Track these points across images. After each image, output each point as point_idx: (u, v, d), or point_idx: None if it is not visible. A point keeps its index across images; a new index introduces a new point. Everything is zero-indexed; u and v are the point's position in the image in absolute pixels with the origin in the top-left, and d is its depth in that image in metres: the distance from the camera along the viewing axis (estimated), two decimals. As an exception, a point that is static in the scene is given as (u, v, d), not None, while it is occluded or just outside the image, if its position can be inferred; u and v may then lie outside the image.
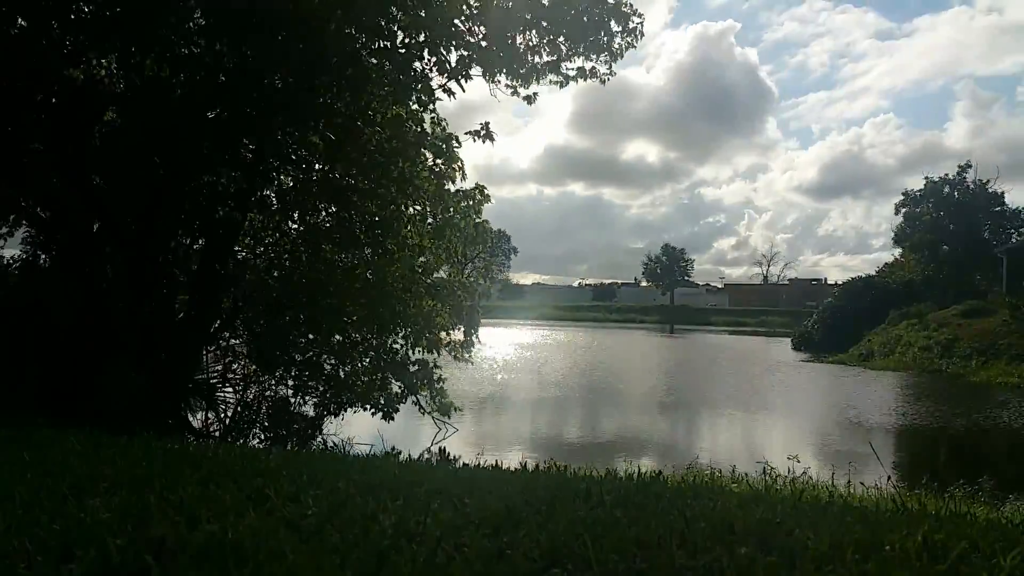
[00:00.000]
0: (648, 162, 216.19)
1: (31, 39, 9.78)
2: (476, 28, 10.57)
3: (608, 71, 11.17)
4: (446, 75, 10.74)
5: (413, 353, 12.68)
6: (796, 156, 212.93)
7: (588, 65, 11.10)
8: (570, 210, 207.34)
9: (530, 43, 10.86)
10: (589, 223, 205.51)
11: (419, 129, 11.59)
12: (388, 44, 10.37)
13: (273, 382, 12.21)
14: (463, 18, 10.43)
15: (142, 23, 9.60)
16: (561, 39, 10.84)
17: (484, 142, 11.34)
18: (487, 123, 11.28)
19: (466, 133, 11.54)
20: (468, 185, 13.21)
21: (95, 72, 10.85)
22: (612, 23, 10.80)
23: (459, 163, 12.49)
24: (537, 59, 10.97)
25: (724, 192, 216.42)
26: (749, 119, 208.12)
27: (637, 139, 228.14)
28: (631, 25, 10.84)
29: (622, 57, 11.11)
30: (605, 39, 10.84)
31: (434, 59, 10.56)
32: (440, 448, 12.76)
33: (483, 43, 10.58)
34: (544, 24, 10.72)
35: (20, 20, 10.00)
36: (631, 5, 10.79)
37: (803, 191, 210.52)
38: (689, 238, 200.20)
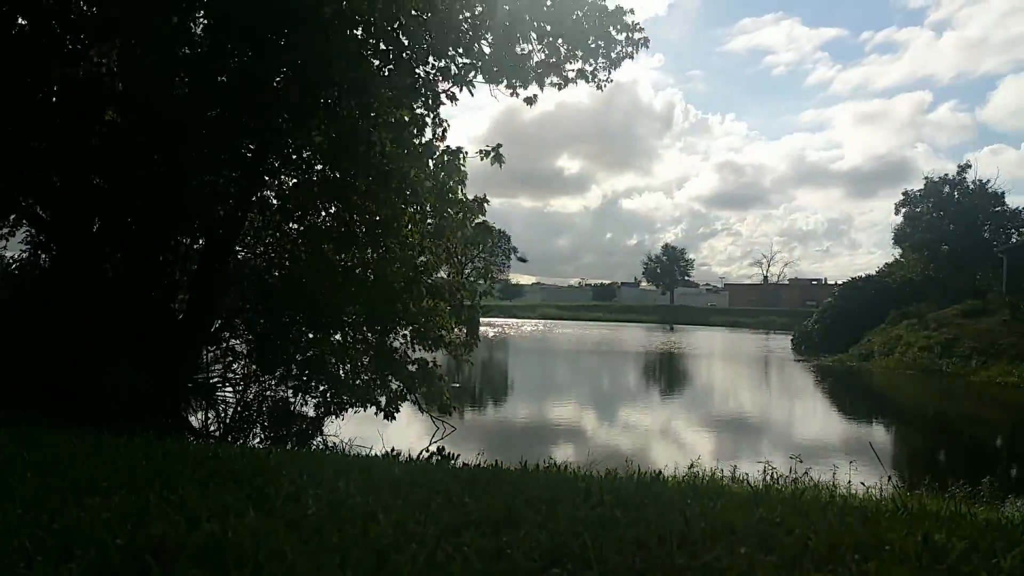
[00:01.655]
0: (577, 174, 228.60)
1: (31, 39, 9.78)
2: (480, 34, 10.57)
3: (607, 77, 11.21)
4: (451, 81, 10.73)
5: (413, 353, 12.67)
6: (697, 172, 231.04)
7: (588, 68, 11.13)
8: (526, 218, 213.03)
9: (532, 49, 10.89)
10: (556, 230, 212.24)
11: (422, 138, 11.48)
12: (392, 48, 10.36)
13: (273, 382, 12.18)
14: (466, 26, 10.42)
15: (143, 23, 9.60)
16: (560, 41, 10.86)
17: (492, 163, 11.23)
18: (499, 144, 11.20)
19: (477, 152, 11.49)
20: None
21: (95, 71, 10.84)
22: (613, 32, 10.84)
23: (460, 175, 12.37)
24: (538, 61, 10.99)
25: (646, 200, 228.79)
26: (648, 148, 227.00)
27: (561, 153, 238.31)
28: (635, 36, 10.90)
29: (620, 66, 11.16)
30: (604, 47, 10.89)
31: (440, 63, 10.55)
32: (440, 447, 12.74)
33: (486, 50, 10.59)
34: (547, 29, 10.73)
35: (20, 19, 10.00)
36: (633, 16, 10.82)
37: (703, 201, 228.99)
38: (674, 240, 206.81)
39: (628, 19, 10.81)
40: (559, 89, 11.30)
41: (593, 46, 10.78)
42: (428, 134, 11.64)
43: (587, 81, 11.18)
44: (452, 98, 10.89)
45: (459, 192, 12.29)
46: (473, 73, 10.69)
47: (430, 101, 10.79)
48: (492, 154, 11.15)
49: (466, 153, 11.69)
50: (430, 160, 11.67)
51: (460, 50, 10.45)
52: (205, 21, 10.36)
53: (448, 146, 11.92)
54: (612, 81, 11.25)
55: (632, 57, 11.01)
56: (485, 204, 12.98)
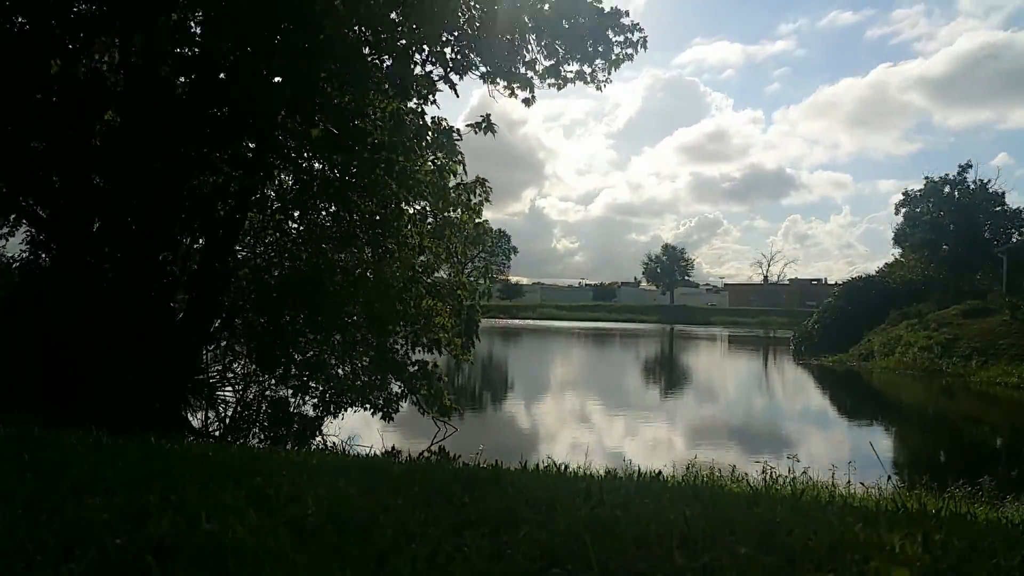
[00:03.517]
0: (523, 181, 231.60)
1: (31, 39, 9.78)
2: (477, 31, 10.58)
3: (605, 78, 11.20)
4: (447, 68, 10.72)
5: (413, 353, 12.66)
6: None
7: (587, 69, 11.13)
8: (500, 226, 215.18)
9: (529, 50, 10.90)
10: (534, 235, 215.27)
11: (420, 123, 11.53)
12: (387, 40, 10.35)
13: (273, 382, 12.19)
14: (462, 24, 10.43)
15: (141, 21, 9.60)
16: (558, 43, 10.86)
17: (485, 134, 11.26)
18: (488, 115, 11.23)
19: (467, 125, 11.47)
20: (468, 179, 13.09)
21: (95, 71, 10.84)
22: (610, 34, 10.84)
23: (459, 156, 12.38)
24: (536, 67, 11.02)
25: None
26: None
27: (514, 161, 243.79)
28: (634, 38, 10.88)
29: (619, 68, 11.16)
30: (602, 50, 10.89)
31: (436, 49, 10.56)
32: (440, 448, 12.74)
33: (481, 38, 10.59)
34: (544, 31, 10.73)
35: (20, 19, 10.00)
36: (630, 18, 10.82)
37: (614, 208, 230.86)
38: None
39: (625, 21, 10.81)
40: (558, 89, 11.29)
41: (591, 50, 10.78)
42: (428, 122, 11.69)
43: (586, 82, 11.16)
44: (451, 85, 10.90)
45: (458, 173, 12.32)
46: (470, 59, 10.70)
47: (425, 90, 10.79)
48: (484, 125, 11.18)
49: (458, 130, 11.72)
50: (427, 149, 11.70)
51: (455, 34, 10.45)
52: (203, 19, 10.36)
53: (441, 123, 11.93)
54: (611, 82, 11.25)
55: (631, 58, 11.00)
56: (488, 186, 12.97)
